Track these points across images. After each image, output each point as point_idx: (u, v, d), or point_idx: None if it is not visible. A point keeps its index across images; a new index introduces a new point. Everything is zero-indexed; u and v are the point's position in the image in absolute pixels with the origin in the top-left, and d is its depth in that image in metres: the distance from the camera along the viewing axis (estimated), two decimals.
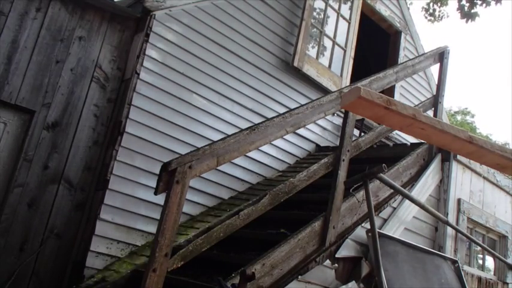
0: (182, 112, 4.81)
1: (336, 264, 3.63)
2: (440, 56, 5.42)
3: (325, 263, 3.54)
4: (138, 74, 4.53)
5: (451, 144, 2.92)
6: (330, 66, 6.47)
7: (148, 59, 4.62)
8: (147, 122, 4.52)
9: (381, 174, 3.97)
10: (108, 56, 4.59)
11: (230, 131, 4.99)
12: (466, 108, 28.61)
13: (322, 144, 6.14)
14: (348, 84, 6.52)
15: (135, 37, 4.73)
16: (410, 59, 5.28)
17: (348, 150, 3.93)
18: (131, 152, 4.36)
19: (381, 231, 3.99)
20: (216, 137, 4.89)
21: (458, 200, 4.97)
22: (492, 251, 5.33)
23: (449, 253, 4.66)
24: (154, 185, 2.72)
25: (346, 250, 3.74)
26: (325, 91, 6.11)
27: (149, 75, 4.61)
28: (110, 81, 4.57)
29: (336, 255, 3.65)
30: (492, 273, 5.56)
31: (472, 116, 28.53)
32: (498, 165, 2.94)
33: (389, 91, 7.08)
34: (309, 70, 6.11)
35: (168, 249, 2.67)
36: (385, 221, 4.24)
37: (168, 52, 4.78)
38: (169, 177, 2.73)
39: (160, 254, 2.64)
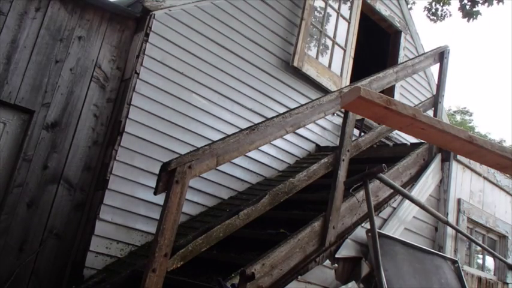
0: (182, 112, 4.81)
1: (336, 264, 3.62)
2: (440, 55, 5.41)
3: (325, 263, 3.53)
4: (138, 74, 4.53)
5: (451, 144, 2.91)
6: (329, 66, 6.47)
7: (148, 58, 4.62)
8: (147, 121, 4.52)
9: (381, 174, 3.97)
10: (108, 56, 4.59)
11: (230, 130, 4.99)
12: (465, 108, 28.62)
13: (322, 144, 6.14)
14: (347, 84, 6.52)
15: (135, 37, 4.73)
16: (410, 59, 5.27)
17: (348, 150, 3.93)
18: (131, 152, 4.36)
19: (380, 231, 3.98)
20: (216, 136, 4.88)
21: (458, 200, 4.96)
22: (492, 251, 5.33)
23: (449, 253, 4.65)
24: (154, 185, 2.71)
25: (346, 250, 3.74)
26: (325, 91, 6.11)
27: (149, 75, 4.60)
28: (110, 81, 4.57)
29: (336, 255, 3.64)
30: (492, 273, 5.56)
31: (470, 115, 28.56)
32: (498, 165, 2.94)
33: (389, 91, 7.07)
34: (309, 70, 6.11)
35: (168, 249, 2.66)
36: (385, 221, 4.23)
37: (168, 52, 4.78)
38: (168, 177, 2.72)
39: (160, 254, 2.63)
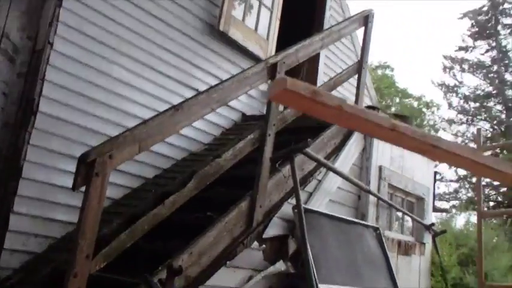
0: (102, 86, 4.50)
1: (264, 245, 3.66)
2: (365, 19, 5.43)
3: (252, 246, 3.55)
4: (52, 44, 4.16)
5: (376, 132, 2.93)
6: (256, 28, 6.31)
7: (63, 26, 4.24)
8: (64, 99, 4.19)
9: (307, 149, 4.00)
10: (17, 24, 4.19)
11: (154, 103, 4.81)
12: (386, 63, 29.38)
13: (248, 113, 6.01)
14: (274, 47, 6.42)
15: (47, 1, 4.32)
16: (336, 24, 5.27)
17: (274, 124, 3.90)
18: (46, 134, 4.04)
19: (306, 206, 4.04)
20: (140, 111, 4.68)
21: (380, 167, 5.13)
22: (410, 214, 5.62)
23: (371, 220, 4.85)
24: (73, 169, 2.57)
25: (274, 229, 3.78)
26: (252, 56, 5.99)
27: (64, 44, 4.24)
28: (20, 52, 4.19)
29: (264, 236, 3.67)
30: (410, 235, 5.88)
31: (392, 70, 29.40)
32: (419, 149, 3.01)
33: (315, 59, 6.99)
34: (235, 34, 5.91)
35: (90, 250, 2.55)
36: (310, 194, 4.31)
37: (85, 18, 4.41)
38: (87, 170, 2.58)
39: (81, 256, 2.51)
